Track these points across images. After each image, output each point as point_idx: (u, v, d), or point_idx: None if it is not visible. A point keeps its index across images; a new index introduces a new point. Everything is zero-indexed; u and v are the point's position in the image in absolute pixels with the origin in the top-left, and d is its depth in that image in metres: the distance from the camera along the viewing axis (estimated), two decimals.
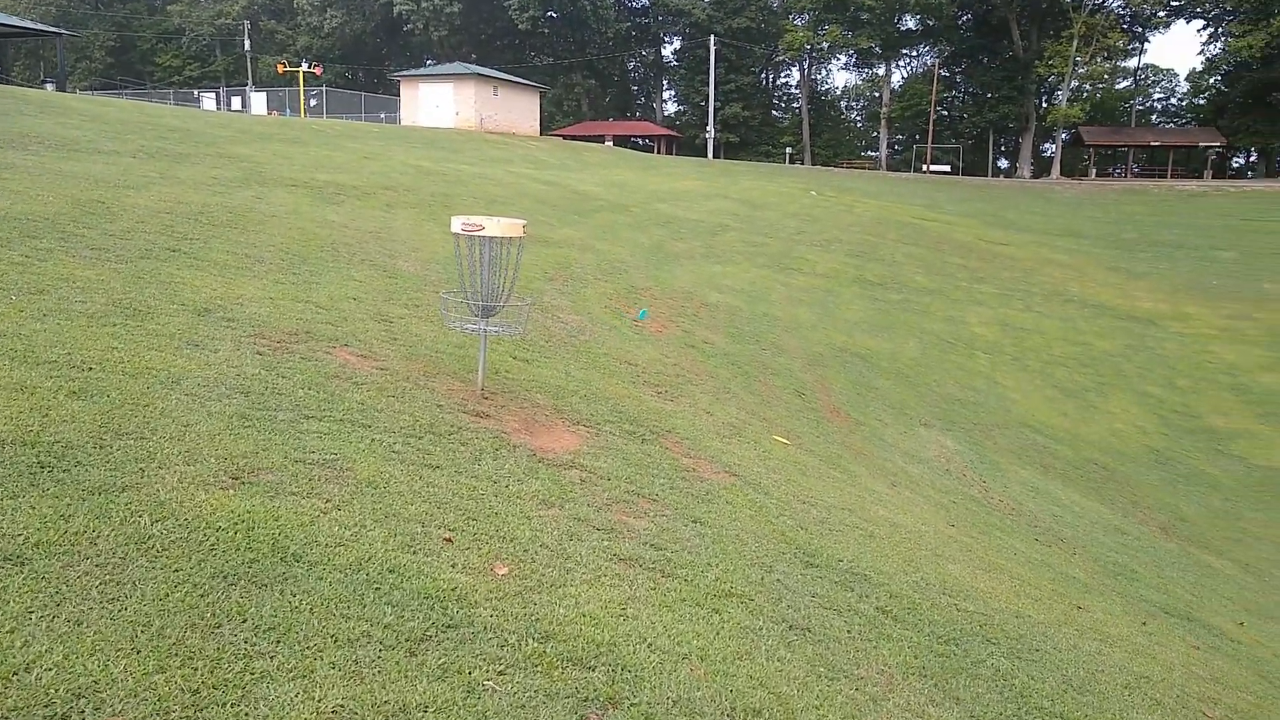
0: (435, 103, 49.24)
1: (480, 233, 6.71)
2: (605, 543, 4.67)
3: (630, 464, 6.57)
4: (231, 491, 3.97)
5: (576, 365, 10.21)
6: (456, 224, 6.81)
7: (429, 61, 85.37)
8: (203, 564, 3.28)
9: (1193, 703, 5.12)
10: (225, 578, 3.23)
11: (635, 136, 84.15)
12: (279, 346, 6.94)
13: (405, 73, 52.34)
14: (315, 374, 6.45)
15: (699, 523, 5.62)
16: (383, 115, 58.45)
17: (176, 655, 2.73)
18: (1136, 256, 40.13)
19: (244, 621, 2.99)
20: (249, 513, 3.77)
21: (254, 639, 2.91)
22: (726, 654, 3.73)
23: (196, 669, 2.69)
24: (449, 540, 4.07)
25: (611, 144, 69.79)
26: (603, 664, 3.31)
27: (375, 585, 3.43)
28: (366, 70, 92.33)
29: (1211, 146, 66.45)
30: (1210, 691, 5.47)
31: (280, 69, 49.29)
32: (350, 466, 4.72)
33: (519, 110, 53.58)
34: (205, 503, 3.78)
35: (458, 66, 51.22)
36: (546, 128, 74.30)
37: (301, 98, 50.24)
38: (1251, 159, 75.24)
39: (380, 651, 3.01)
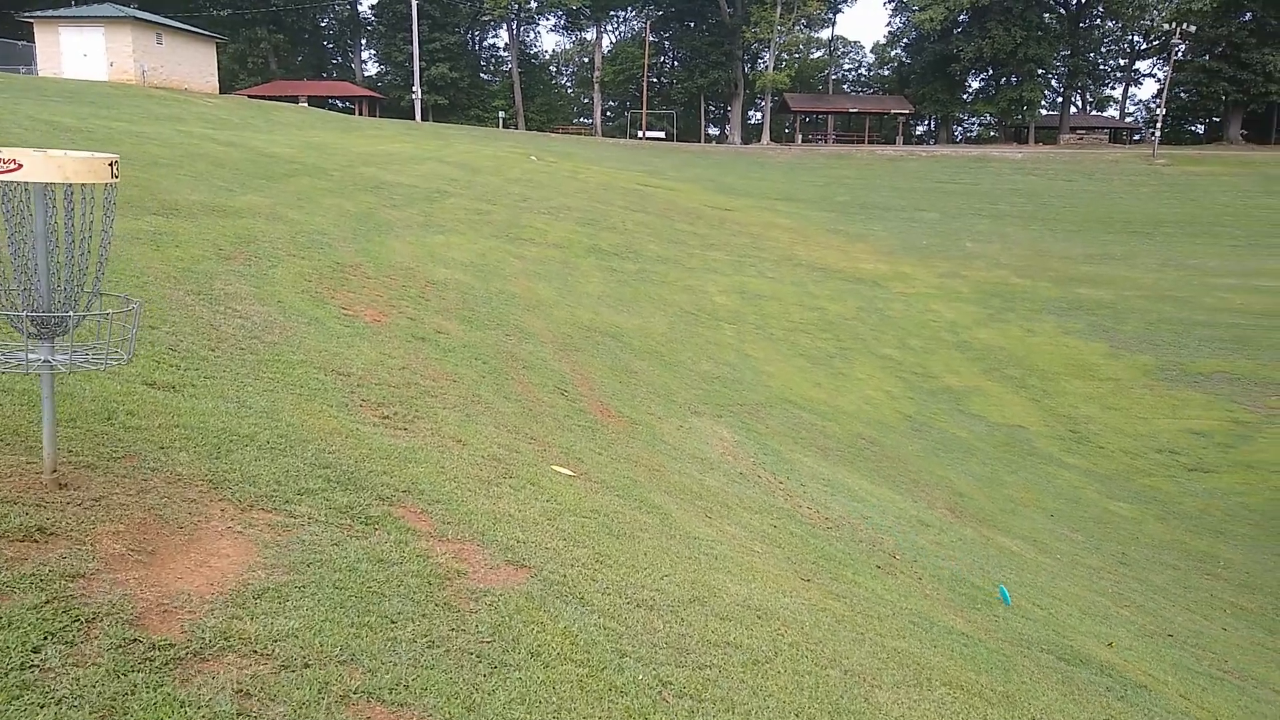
0: (83, 51, 41.25)
1: (13, 175, 3.40)
2: None
3: (348, 599, 3.59)
4: None
5: (258, 385, 6.91)
6: None
7: (71, 2, 73.18)
8: None
9: None
10: None
11: (334, 98, 77.22)
12: None
13: (39, 14, 43.40)
14: None
15: None
16: (21, 68, 48.74)
17: None
18: (852, 219, 41.04)
19: None
20: None
21: None
22: None
23: None
24: None
25: (306, 105, 63.25)
26: None
27: None
28: None
29: (901, 113, 70.80)
30: None
31: None
32: None
33: (191, 63, 46.38)
34: None
35: (109, 8, 43.20)
36: (230, 87, 66.17)
37: None
38: (930, 126, 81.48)
39: None
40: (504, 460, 6.92)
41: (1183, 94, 72.94)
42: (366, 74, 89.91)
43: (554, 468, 7.29)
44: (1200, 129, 79.21)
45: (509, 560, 4.64)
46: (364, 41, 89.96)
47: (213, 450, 5.00)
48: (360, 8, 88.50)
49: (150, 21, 43.98)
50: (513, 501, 5.83)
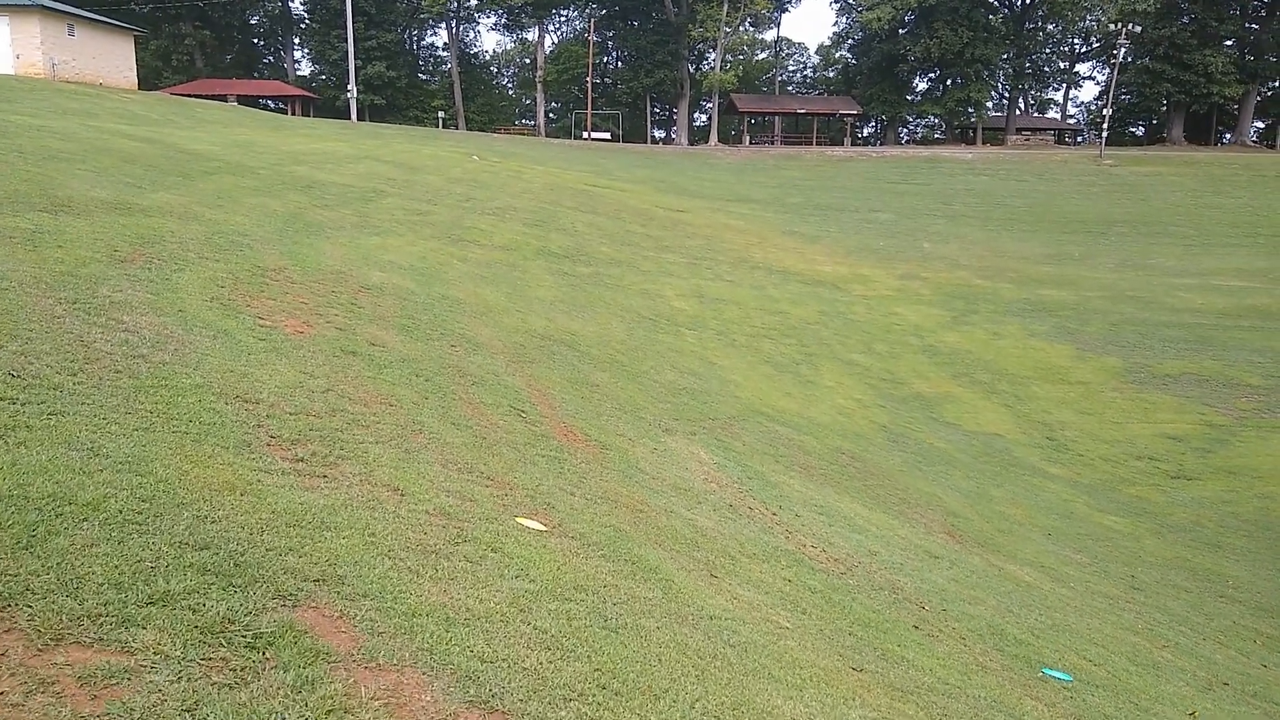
0: None
1: None
2: None
3: None
4: None
5: (126, 423, 5.22)
6: None
7: None
8: None
9: None
10: None
11: (265, 97, 74.22)
12: None
13: None
14: None
15: None
16: None
17: None
18: (806, 220, 39.93)
19: None
20: None
21: None
22: None
23: None
24: None
25: (236, 104, 60.47)
26: None
27: None
28: None
29: (849, 114, 70.14)
30: None
31: None
32: None
33: (108, 57, 43.65)
34: None
35: None
36: (153, 85, 63.10)
37: None
38: (876, 128, 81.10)
39: None
40: (455, 515, 5.32)
41: (1125, 95, 73.46)
42: (300, 73, 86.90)
43: (520, 521, 5.70)
44: (1140, 130, 79.97)
45: (471, 700, 3.06)
46: (296, 40, 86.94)
47: (20, 536, 3.33)
48: (292, 4, 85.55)
49: (61, 11, 41.23)
50: (470, 584, 4.23)
